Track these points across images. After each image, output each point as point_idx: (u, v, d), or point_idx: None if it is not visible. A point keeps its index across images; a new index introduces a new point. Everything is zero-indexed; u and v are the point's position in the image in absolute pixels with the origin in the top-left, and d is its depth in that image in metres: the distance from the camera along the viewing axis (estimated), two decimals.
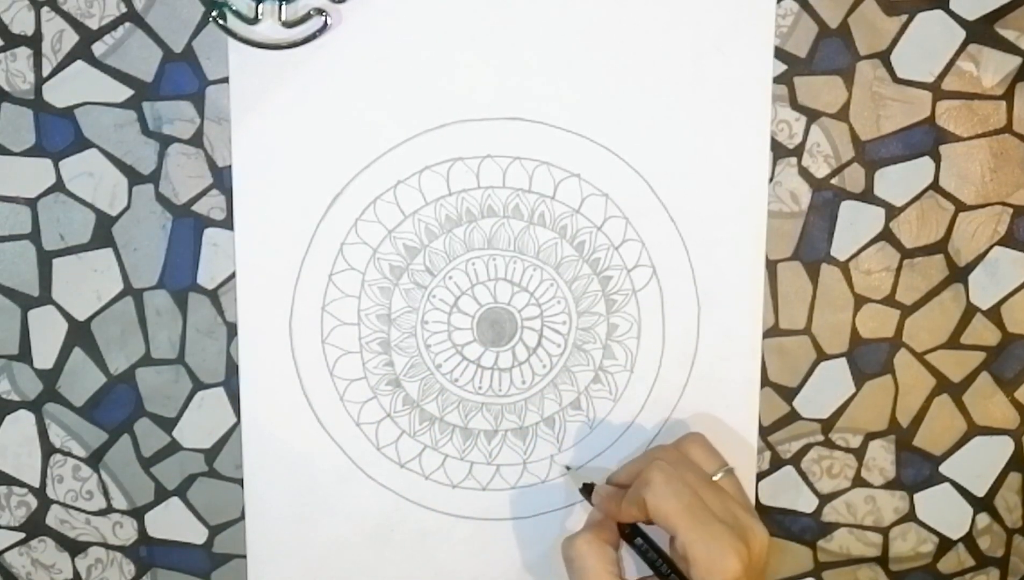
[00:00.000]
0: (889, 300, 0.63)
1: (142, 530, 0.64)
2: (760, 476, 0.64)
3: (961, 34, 0.61)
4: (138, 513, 0.64)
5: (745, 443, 0.63)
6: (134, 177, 0.61)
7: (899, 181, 0.62)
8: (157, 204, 0.61)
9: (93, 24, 0.60)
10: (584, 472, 0.63)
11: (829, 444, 0.64)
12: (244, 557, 0.64)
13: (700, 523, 0.53)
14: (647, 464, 0.56)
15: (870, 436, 0.64)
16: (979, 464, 0.65)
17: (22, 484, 0.64)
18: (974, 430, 0.64)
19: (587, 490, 0.61)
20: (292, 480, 0.63)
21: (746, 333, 0.62)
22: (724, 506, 0.55)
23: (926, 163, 0.62)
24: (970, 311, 0.63)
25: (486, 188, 0.61)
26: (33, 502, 0.64)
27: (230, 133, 0.61)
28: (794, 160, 0.62)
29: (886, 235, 0.62)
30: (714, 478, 0.57)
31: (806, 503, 0.64)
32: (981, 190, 0.62)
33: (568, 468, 0.63)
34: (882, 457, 0.64)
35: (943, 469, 0.65)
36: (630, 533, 0.58)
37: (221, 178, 0.61)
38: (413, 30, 0.60)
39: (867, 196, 0.62)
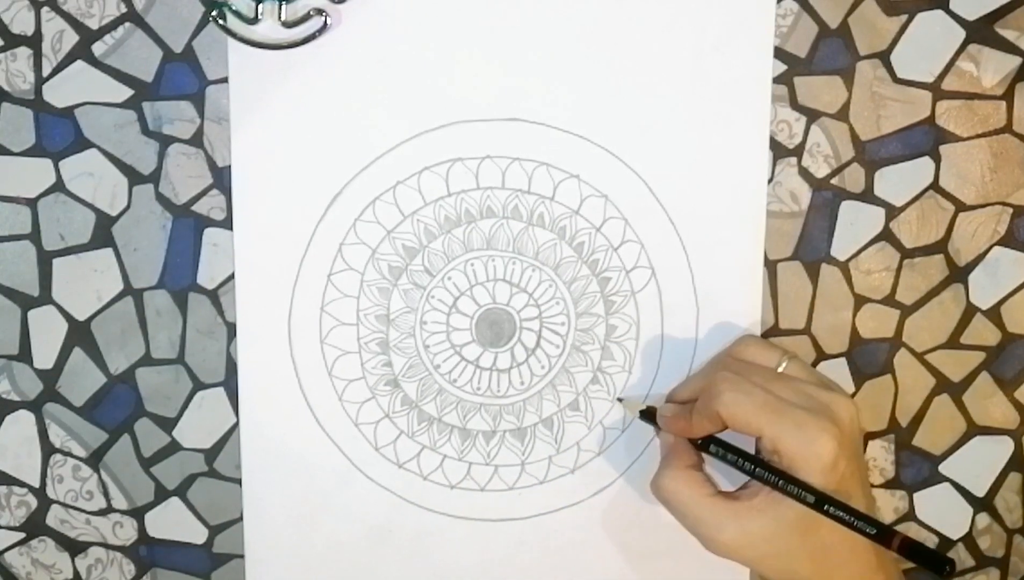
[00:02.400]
0: (889, 300, 0.63)
1: (142, 530, 0.64)
2: None
3: (961, 34, 0.61)
4: (138, 513, 0.64)
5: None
6: (134, 177, 0.61)
7: (899, 181, 0.62)
8: (157, 204, 0.61)
9: (93, 24, 0.60)
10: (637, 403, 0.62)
11: None
12: (244, 557, 0.64)
13: (780, 416, 0.53)
14: (710, 377, 0.56)
15: (870, 436, 0.64)
16: (979, 464, 0.65)
17: (22, 484, 0.64)
18: (974, 430, 0.64)
19: (648, 415, 0.60)
20: (290, 480, 0.63)
21: (746, 333, 0.62)
22: (799, 392, 0.54)
23: (926, 163, 0.62)
24: (970, 311, 0.63)
25: (485, 189, 0.61)
26: (33, 502, 0.64)
27: (230, 133, 0.61)
28: (794, 160, 0.62)
29: (886, 235, 0.62)
30: (779, 370, 0.57)
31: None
32: (981, 190, 0.62)
33: (620, 399, 0.62)
34: (882, 457, 0.64)
35: (943, 469, 0.65)
36: (703, 444, 0.57)
37: (221, 178, 0.61)
38: (413, 30, 0.60)
39: (867, 196, 0.62)
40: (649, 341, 0.62)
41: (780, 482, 0.53)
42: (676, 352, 0.62)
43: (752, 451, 0.56)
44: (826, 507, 0.52)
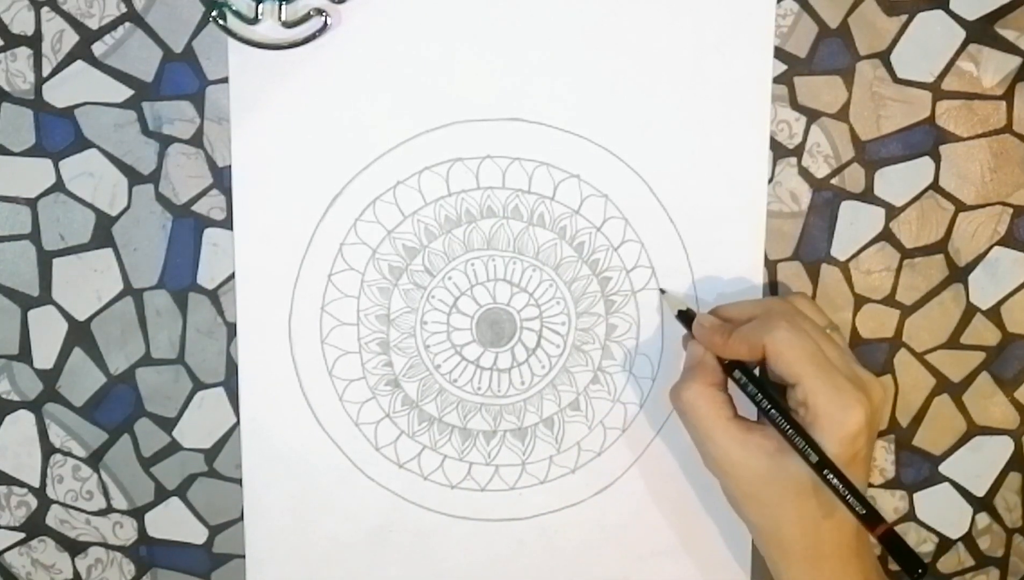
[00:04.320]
0: (889, 300, 0.63)
1: (142, 530, 0.64)
2: None
3: (961, 34, 0.61)
4: (138, 513, 0.64)
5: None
6: (134, 177, 0.61)
7: (899, 181, 0.62)
8: (157, 204, 0.61)
9: (93, 24, 0.60)
10: (680, 302, 0.61)
11: None
12: (244, 557, 0.64)
13: (825, 373, 0.53)
14: (766, 309, 0.56)
15: None
16: (979, 464, 0.65)
17: (22, 484, 0.64)
18: (974, 430, 0.64)
19: (685, 318, 0.60)
20: (291, 480, 0.63)
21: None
22: (842, 359, 0.54)
23: (926, 163, 0.62)
24: (970, 311, 0.63)
25: (485, 189, 0.61)
26: (33, 502, 0.64)
27: (230, 133, 0.61)
28: (794, 160, 0.62)
29: (886, 235, 0.62)
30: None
31: None
32: (981, 190, 0.62)
33: (663, 291, 0.62)
34: (882, 457, 0.64)
35: (943, 469, 0.65)
36: (729, 365, 0.57)
37: (221, 178, 0.61)
38: (413, 30, 0.60)
39: (867, 196, 0.62)
40: (649, 341, 0.62)
41: (790, 431, 0.53)
42: (676, 352, 0.62)
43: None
44: (825, 472, 0.52)
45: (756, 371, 0.57)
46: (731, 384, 0.57)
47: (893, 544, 0.52)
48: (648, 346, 0.62)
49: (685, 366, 0.60)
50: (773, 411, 0.54)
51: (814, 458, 0.52)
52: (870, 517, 0.52)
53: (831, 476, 0.52)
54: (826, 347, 0.54)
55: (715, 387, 0.56)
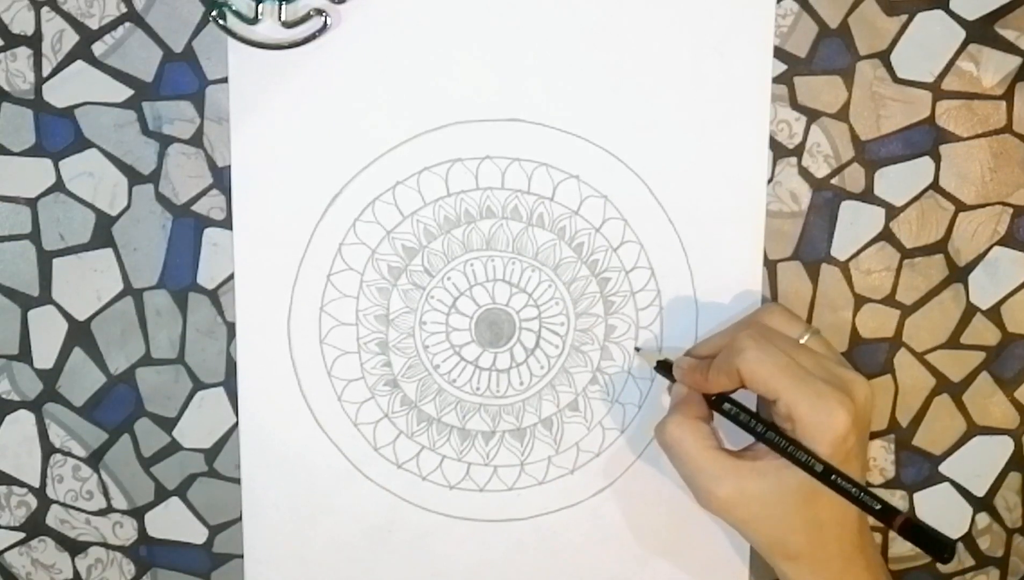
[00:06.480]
0: (889, 300, 0.63)
1: (142, 530, 0.64)
2: None
3: (961, 34, 0.61)
4: (138, 513, 0.64)
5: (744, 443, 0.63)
6: (134, 177, 0.61)
7: (899, 181, 0.62)
8: (157, 204, 0.61)
9: (93, 24, 0.60)
10: (654, 354, 0.62)
11: None
12: (243, 557, 0.64)
13: (801, 382, 0.53)
14: (734, 334, 0.56)
15: (870, 436, 0.64)
16: (979, 464, 0.65)
17: (22, 484, 0.64)
18: (974, 430, 0.64)
19: (663, 367, 0.60)
20: (290, 480, 0.63)
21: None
22: (819, 365, 0.54)
23: (926, 163, 0.62)
24: (970, 311, 0.63)
25: (485, 189, 0.61)
26: (33, 502, 0.64)
27: (230, 133, 0.61)
28: (794, 160, 0.62)
29: (886, 235, 0.62)
30: (801, 341, 0.57)
31: None
32: (981, 190, 0.62)
33: (638, 349, 0.62)
34: (882, 457, 0.64)
35: (943, 469, 0.64)
36: (716, 401, 0.57)
37: (221, 178, 0.61)
38: (413, 31, 0.60)
39: (867, 196, 0.62)
40: (648, 341, 0.62)
41: (790, 448, 0.53)
42: (675, 352, 0.62)
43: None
44: (833, 478, 0.52)
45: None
46: (716, 419, 0.58)
47: (915, 532, 0.52)
48: (647, 347, 0.62)
49: (669, 407, 0.60)
50: (769, 433, 0.55)
51: (819, 467, 0.52)
52: (886, 511, 0.52)
53: (840, 481, 0.52)
54: (800, 357, 0.54)
55: (699, 420, 0.57)
